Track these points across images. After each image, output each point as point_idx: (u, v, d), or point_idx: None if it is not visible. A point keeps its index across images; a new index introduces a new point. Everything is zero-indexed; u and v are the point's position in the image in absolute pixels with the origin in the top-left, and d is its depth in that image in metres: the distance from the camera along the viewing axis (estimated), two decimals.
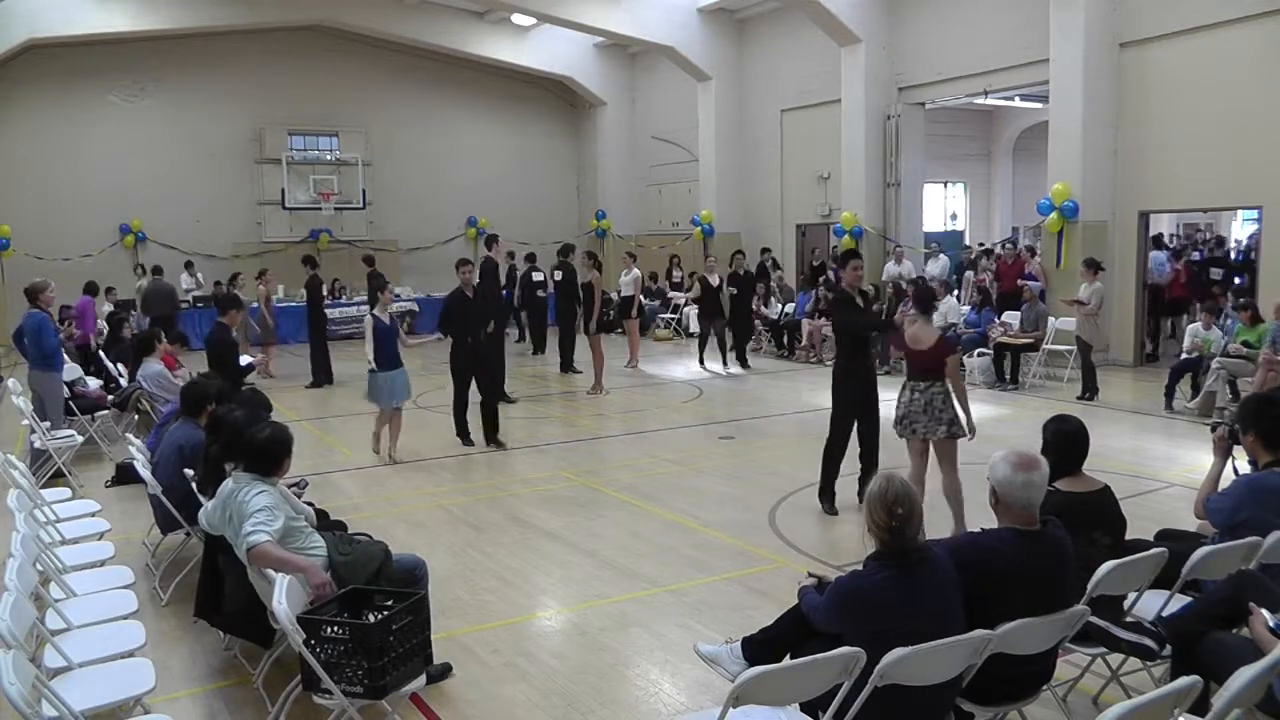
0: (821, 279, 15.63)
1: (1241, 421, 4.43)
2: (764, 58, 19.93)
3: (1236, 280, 15.76)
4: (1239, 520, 4.13)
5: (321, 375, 14.42)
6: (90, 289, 15.79)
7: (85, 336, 13.81)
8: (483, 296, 10.01)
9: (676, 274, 21.02)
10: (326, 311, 15.31)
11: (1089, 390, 11.58)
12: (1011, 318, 13.42)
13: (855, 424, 7.32)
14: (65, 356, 10.41)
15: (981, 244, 19.94)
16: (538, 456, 9.50)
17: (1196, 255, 16.77)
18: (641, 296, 18.21)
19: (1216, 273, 16.25)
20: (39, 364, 9.40)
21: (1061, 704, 4.08)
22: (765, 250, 18.68)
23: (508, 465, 9.24)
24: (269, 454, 4.49)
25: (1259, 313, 10.87)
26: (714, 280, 15.05)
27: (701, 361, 15.20)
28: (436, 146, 23.47)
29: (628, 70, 23.71)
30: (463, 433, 9.90)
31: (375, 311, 9.37)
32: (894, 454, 8.36)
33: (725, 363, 14.91)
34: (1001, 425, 10.53)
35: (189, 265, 20.07)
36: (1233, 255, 18.17)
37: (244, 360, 9.56)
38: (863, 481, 7.49)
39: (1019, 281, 13.98)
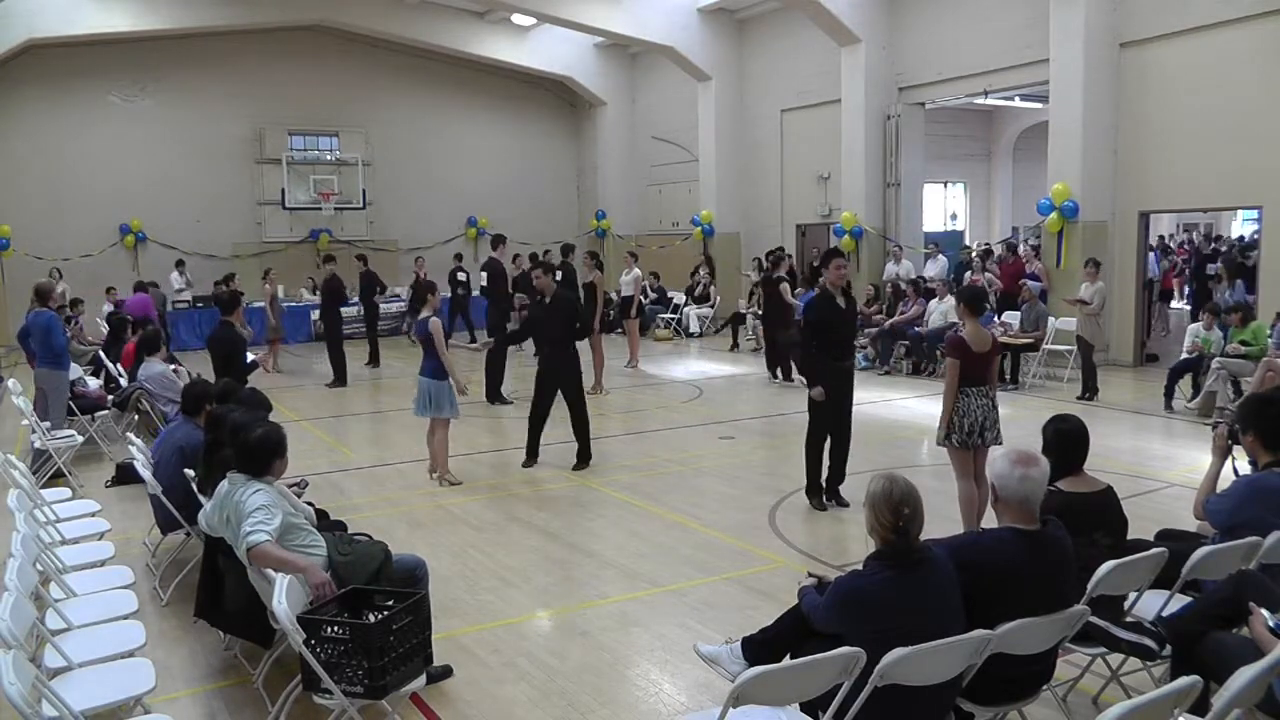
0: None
1: (1242, 421, 4.42)
2: (764, 58, 19.93)
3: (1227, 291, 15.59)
4: (1239, 521, 4.13)
5: (340, 376, 14.35)
6: (140, 287, 15.86)
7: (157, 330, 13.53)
8: (561, 300, 9.06)
9: (703, 272, 19.89)
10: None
11: (1089, 390, 11.58)
12: (1011, 318, 13.42)
13: (832, 422, 7.30)
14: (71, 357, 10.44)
15: (986, 244, 19.90)
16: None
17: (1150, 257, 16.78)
18: (642, 296, 18.17)
19: (1213, 267, 16.26)
20: (46, 362, 9.48)
21: (1061, 704, 4.08)
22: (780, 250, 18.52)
23: (508, 465, 9.23)
24: (258, 455, 4.47)
25: (1250, 312, 10.96)
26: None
27: (774, 374, 13.82)
28: (436, 146, 23.47)
29: (628, 70, 23.70)
30: (534, 450, 9.06)
31: (428, 314, 8.39)
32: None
33: (788, 374, 13.46)
34: (1001, 425, 10.52)
35: (179, 264, 19.88)
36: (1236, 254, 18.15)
37: (248, 358, 9.53)
38: (830, 483, 7.50)
39: (1020, 281, 13.98)
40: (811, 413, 7.42)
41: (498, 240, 13.48)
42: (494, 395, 12.19)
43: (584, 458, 9.00)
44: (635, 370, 15.06)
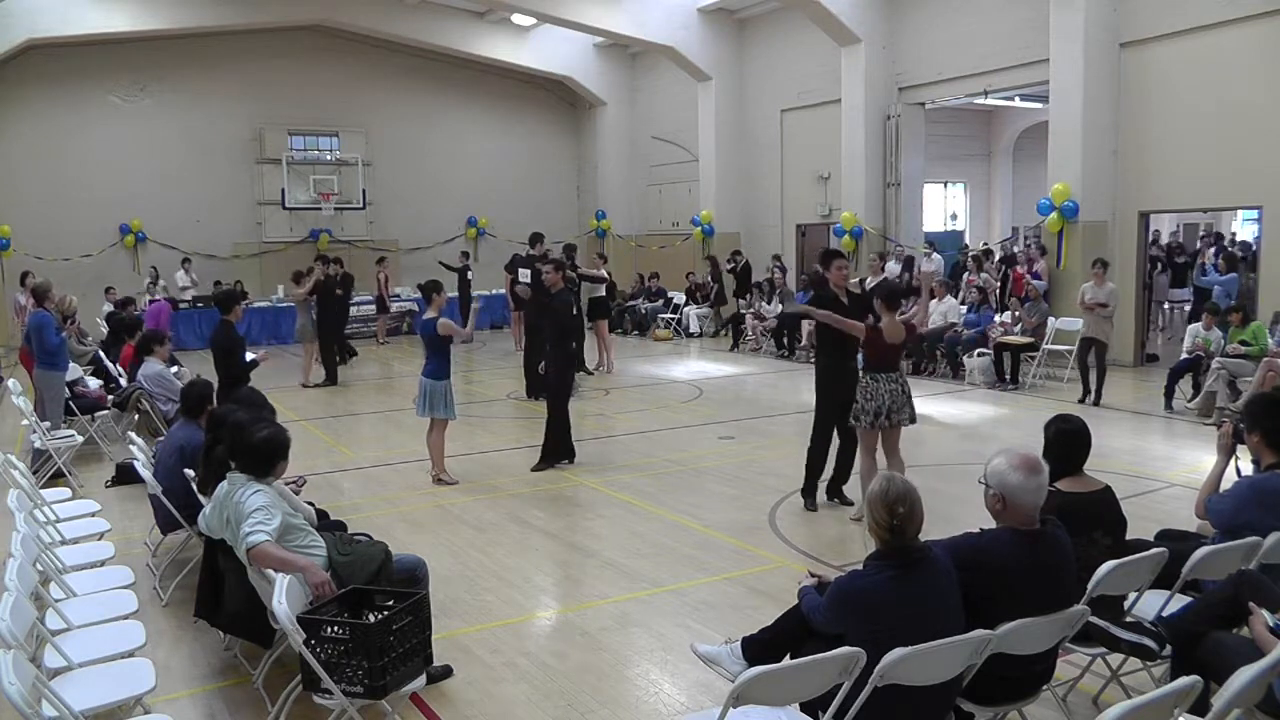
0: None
1: (1249, 420, 4.40)
2: (764, 58, 19.93)
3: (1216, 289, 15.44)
4: (1240, 522, 4.13)
5: (330, 375, 14.35)
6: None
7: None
8: (555, 300, 9.01)
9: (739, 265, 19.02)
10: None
11: (1090, 391, 11.47)
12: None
13: (839, 423, 7.33)
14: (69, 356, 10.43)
15: (985, 244, 19.86)
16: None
17: None
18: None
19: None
20: (43, 363, 9.48)
21: (1061, 704, 4.08)
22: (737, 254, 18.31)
23: (508, 465, 9.23)
24: (262, 455, 4.48)
25: (1249, 313, 10.97)
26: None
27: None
28: (436, 146, 23.47)
29: (628, 70, 23.71)
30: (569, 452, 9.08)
31: (434, 315, 8.23)
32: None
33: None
34: (1001, 425, 10.54)
35: (185, 263, 19.94)
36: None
37: (248, 357, 9.53)
38: (834, 482, 7.52)
39: (1023, 279, 13.94)
40: (818, 413, 7.42)
41: (536, 238, 13.35)
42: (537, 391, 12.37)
43: (545, 456, 8.94)
44: (605, 374, 14.54)
